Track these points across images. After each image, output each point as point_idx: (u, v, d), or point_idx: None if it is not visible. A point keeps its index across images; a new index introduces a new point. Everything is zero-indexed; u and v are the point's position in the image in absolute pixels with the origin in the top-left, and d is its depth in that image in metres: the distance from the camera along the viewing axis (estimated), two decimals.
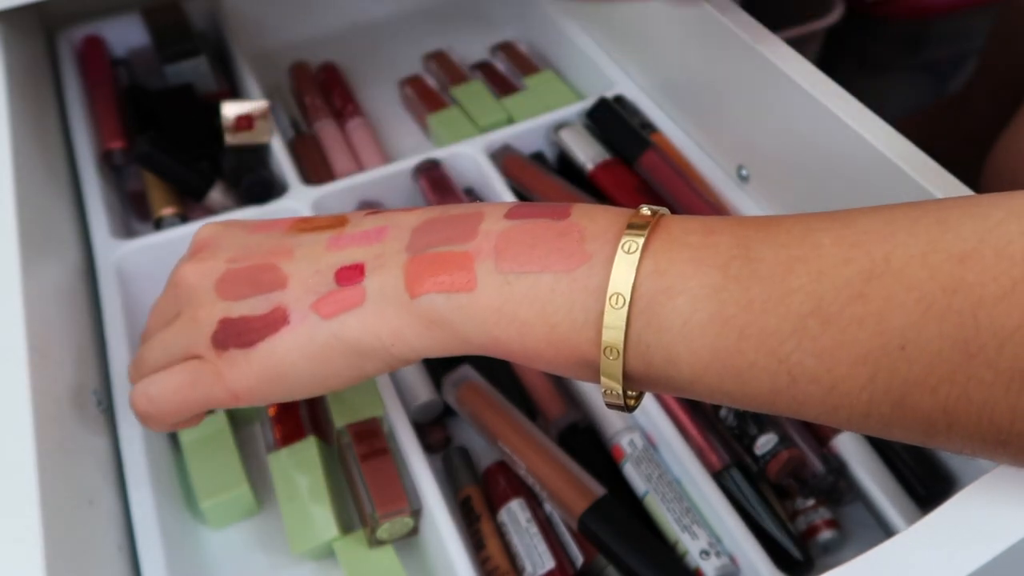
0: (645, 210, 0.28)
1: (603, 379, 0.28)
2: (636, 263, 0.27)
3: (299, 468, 0.40)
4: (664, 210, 0.29)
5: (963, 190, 0.37)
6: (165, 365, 0.34)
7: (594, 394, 0.44)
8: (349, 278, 0.31)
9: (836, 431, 0.41)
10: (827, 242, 0.25)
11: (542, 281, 0.28)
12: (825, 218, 0.26)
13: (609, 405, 0.29)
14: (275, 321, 0.32)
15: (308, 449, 0.40)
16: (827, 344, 0.24)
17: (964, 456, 0.39)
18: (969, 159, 0.56)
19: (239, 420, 0.45)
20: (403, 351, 0.31)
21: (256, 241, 0.34)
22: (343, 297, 0.31)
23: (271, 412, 0.42)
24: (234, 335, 0.32)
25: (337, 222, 0.34)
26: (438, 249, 0.30)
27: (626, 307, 0.26)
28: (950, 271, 0.23)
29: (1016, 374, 0.22)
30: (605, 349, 0.27)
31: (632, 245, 0.27)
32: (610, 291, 0.27)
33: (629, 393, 0.29)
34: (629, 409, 0.29)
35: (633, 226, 0.28)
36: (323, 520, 0.38)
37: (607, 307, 0.27)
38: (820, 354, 0.24)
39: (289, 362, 0.31)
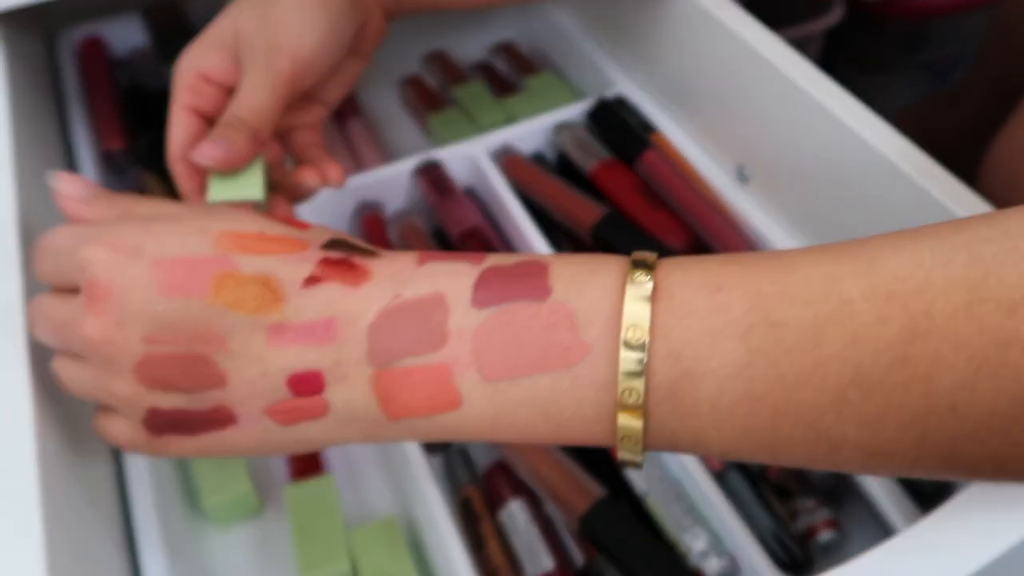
0: (639, 276, 0.25)
1: (621, 454, 0.26)
2: (645, 355, 0.24)
3: (315, 500, 0.40)
4: (653, 257, 0.26)
5: (963, 190, 0.37)
6: (85, 399, 0.31)
7: None
8: (306, 388, 0.27)
9: None
10: (856, 295, 0.23)
11: (539, 383, 0.25)
12: (843, 258, 0.24)
13: (623, 466, 0.27)
14: (219, 420, 0.28)
15: (325, 483, 0.41)
16: (871, 412, 0.23)
17: None
18: (966, 154, 0.56)
19: None
20: (372, 443, 0.29)
21: (173, 314, 0.28)
22: (303, 406, 0.28)
23: None
24: (171, 425, 0.29)
25: (268, 292, 0.28)
26: (406, 363, 0.26)
27: (642, 399, 0.24)
28: (1000, 324, 0.22)
29: None
30: (623, 438, 0.25)
31: (637, 332, 0.24)
32: (621, 387, 0.24)
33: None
34: (641, 468, 0.27)
35: (631, 300, 0.24)
36: (337, 553, 0.38)
37: (620, 399, 0.24)
38: (863, 423, 0.23)
39: (239, 452, 0.29)
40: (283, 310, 0.28)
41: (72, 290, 0.30)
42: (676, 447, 0.26)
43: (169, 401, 0.29)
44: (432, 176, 0.52)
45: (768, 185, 0.49)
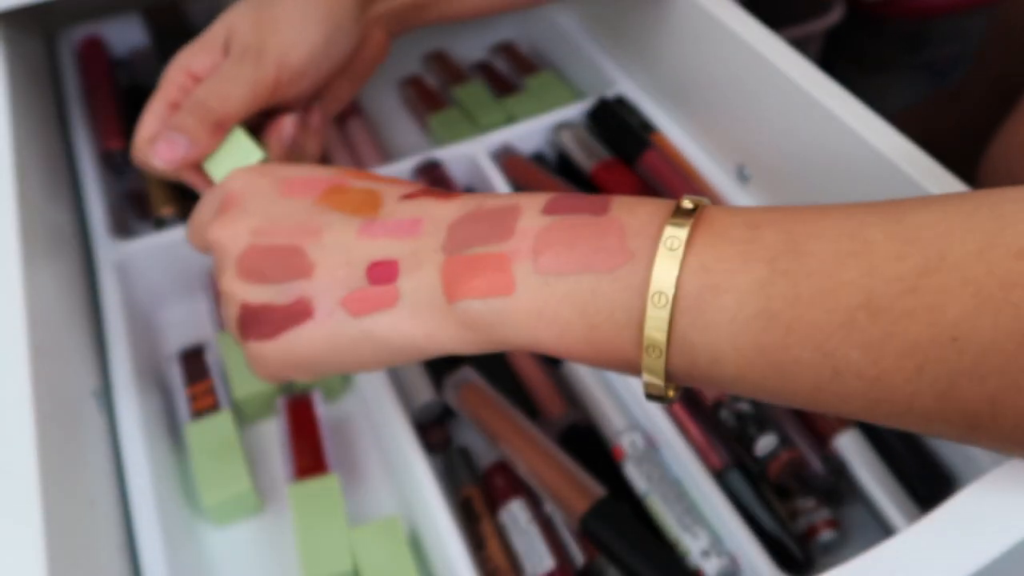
0: (687, 202, 0.27)
1: (645, 375, 0.27)
2: (679, 260, 0.26)
3: (318, 499, 0.40)
4: (706, 200, 0.28)
5: (964, 189, 0.37)
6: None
7: (595, 394, 0.44)
8: (382, 276, 0.30)
9: (836, 431, 0.41)
10: (880, 238, 0.25)
11: (583, 281, 0.27)
12: (874, 212, 0.26)
13: (649, 397, 0.28)
14: (297, 313, 0.31)
15: (328, 482, 0.41)
16: (875, 336, 0.24)
17: (965, 452, 0.40)
18: (965, 153, 0.56)
19: (244, 419, 0.45)
20: (435, 350, 0.30)
21: (284, 210, 0.32)
22: (375, 295, 0.30)
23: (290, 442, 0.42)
24: (254, 325, 0.31)
25: (370, 199, 0.32)
26: (475, 250, 0.29)
27: (669, 306, 0.26)
28: (1008, 267, 0.23)
29: None
30: (647, 348, 0.26)
31: (675, 242, 0.26)
32: (652, 289, 0.26)
33: (670, 386, 0.28)
34: (669, 402, 0.28)
35: (675, 220, 0.27)
36: (339, 552, 0.38)
37: (649, 306, 0.26)
38: (867, 346, 0.24)
39: (312, 354, 0.31)
40: (379, 212, 0.31)
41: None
42: (694, 366, 0.27)
43: (259, 295, 0.31)
44: (432, 176, 0.52)
45: (768, 185, 0.49)
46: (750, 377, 0.26)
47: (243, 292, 0.32)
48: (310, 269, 0.31)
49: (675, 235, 0.26)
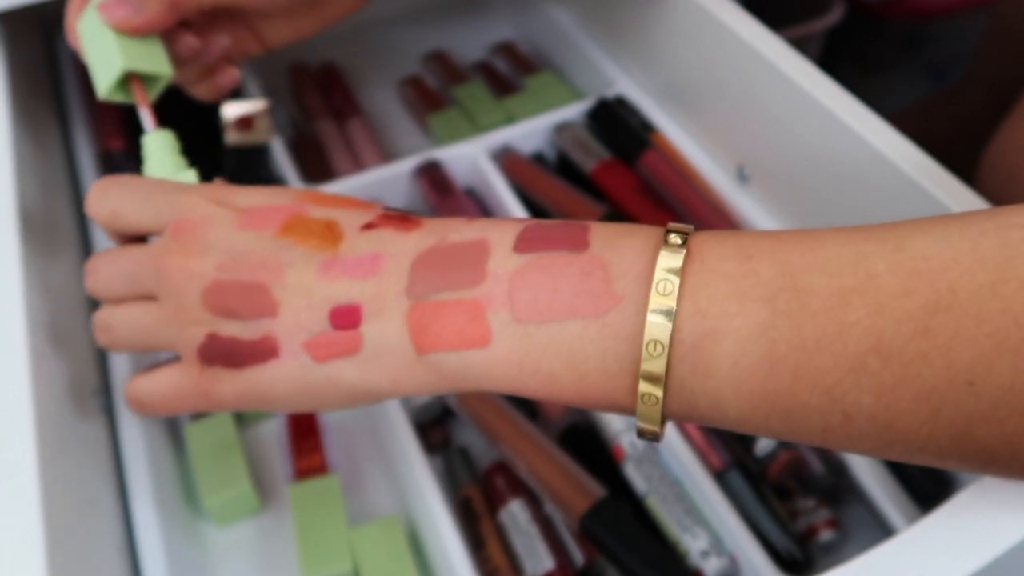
0: (674, 236, 0.26)
1: (639, 422, 0.26)
2: (674, 307, 0.24)
3: (318, 499, 0.40)
4: (689, 228, 0.26)
5: (962, 189, 0.37)
6: (140, 345, 0.33)
7: None
8: (345, 322, 0.28)
9: None
10: (882, 270, 0.23)
11: (567, 329, 0.26)
12: (873, 238, 0.24)
13: (641, 436, 0.27)
14: (264, 351, 0.30)
15: (329, 482, 0.41)
16: (888, 381, 0.23)
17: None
18: (965, 153, 0.56)
19: (245, 418, 0.45)
20: (401, 395, 0.29)
21: (246, 244, 0.31)
22: (338, 342, 0.29)
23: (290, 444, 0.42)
24: (222, 355, 0.30)
25: (331, 231, 0.30)
26: (443, 296, 0.27)
27: (665, 354, 0.24)
28: (1023, 302, 0.22)
29: None
30: (643, 396, 0.25)
31: (667, 285, 0.25)
32: (647, 338, 0.24)
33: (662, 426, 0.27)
34: (658, 440, 0.27)
35: (664, 258, 0.25)
36: (339, 552, 0.38)
37: (644, 354, 0.25)
38: (879, 392, 0.23)
39: (276, 392, 0.30)
40: (338, 248, 0.30)
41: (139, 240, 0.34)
42: (694, 411, 0.26)
43: (227, 328, 0.30)
44: (432, 176, 0.52)
45: (768, 185, 0.49)
46: (754, 420, 0.25)
47: (210, 323, 0.31)
48: (275, 308, 0.30)
49: (666, 278, 0.25)
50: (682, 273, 0.25)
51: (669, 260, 0.25)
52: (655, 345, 0.24)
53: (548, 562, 0.38)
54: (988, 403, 0.22)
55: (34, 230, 0.40)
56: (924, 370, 0.23)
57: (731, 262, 0.25)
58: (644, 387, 0.25)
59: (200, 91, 0.44)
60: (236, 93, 0.61)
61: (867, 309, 0.23)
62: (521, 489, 0.41)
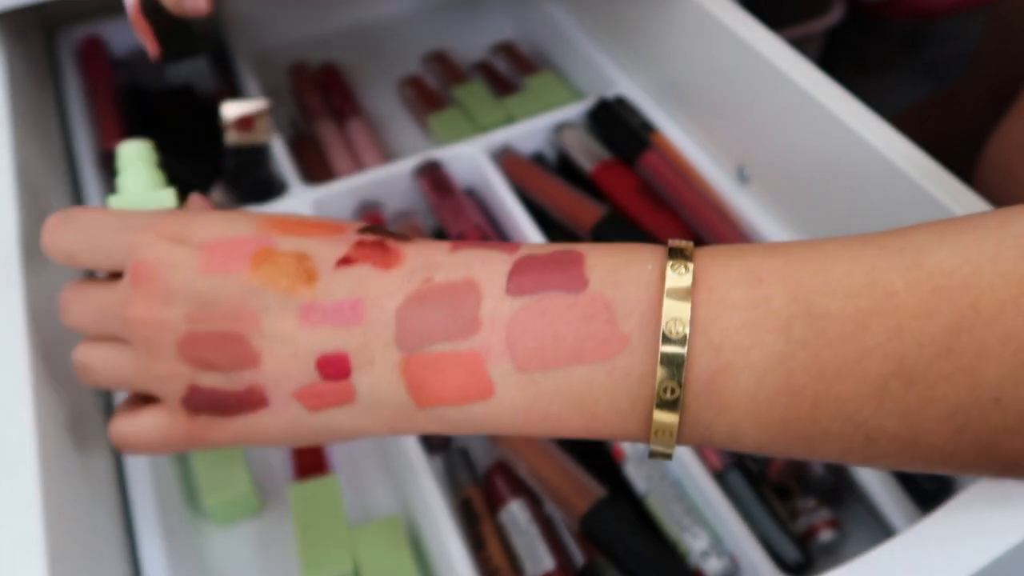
0: (678, 267, 0.24)
1: (653, 448, 0.26)
2: (685, 348, 0.23)
3: (318, 499, 0.40)
4: (689, 245, 0.25)
5: (962, 190, 0.37)
6: (123, 388, 0.32)
7: None
8: (334, 372, 0.27)
9: None
10: (900, 288, 0.23)
11: (574, 374, 0.25)
12: (887, 253, 0.23)
13: (653, 457, 0.26)
14: (252, 402, 0.29)
15: (329, 482, 0.41)
16: (911, 404, 0.23)
17: None
18: (964, 153, 0.56)
19: None
20: (400, 436, 0.29)
21: (213, 291, 0.28)
22: (331, 392, 0.28)
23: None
24: (208, 405, 0.29)
25: (303, 269, 0.28)
26: (437, 348, 0.26)
27: (680, 393, 0.24)
28: None
29: None
30: (656, 432, 0.25)
31: (676, 325, 0.24)
32: (659, 380, 0.24)
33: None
34: (670, 459, 0.27)
35: (670, 294, 0.24)
36: (339, 552, 0.38)
37: (657, 395, 0.24)
38: (903, 415, 0.23)
39: (272, 438, 0.29)
40: (314, 290, 0.28)
41: (112, 275, 0.31)
42: (710, 442, 0.25)
43: (209, 380, 0.29)
44: (432, 176, 0.52)
45: (768, 185, 0.49)
46: (774, 448, 0.25)
47: (190, 375, 0.29)
48: (256, 359, 0.28)
49: (676, 317, 0.24)
50: (691, 305, 0.24)
51: (676, 294, 0.24)
52: (667, 388, 0.24)
53: (548, 562, 0.38)
54: (1014, 417, 0.22)
55: (34, 230, 0.40)
56: (949, 391, 0.22)
57: (740, 289, 0.24)
58: (658, 423, 0.24)
59: None
60: (235, 93, 0.61)
61: (887, 333, 0.22)
62: (521, 489, 0.41)
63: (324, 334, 0.27)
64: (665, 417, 0.24)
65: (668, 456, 0.26)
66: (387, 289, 0.27)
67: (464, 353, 0.26)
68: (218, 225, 0.30)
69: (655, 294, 0.25)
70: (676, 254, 0.25)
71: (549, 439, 0.41)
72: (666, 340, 0.24)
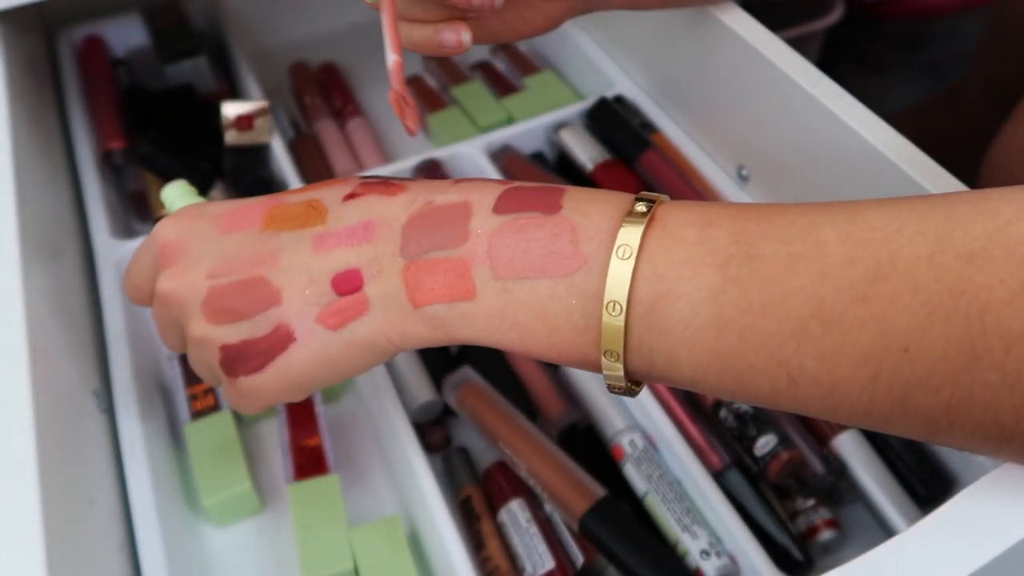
0: (640, 205, 0.27)
1: (606, 374, 0.28)
2: (631, 270, 0.26)
3: (318, 499, 0.40)
4: (662, 197, 0.28)
5: (962, 188, 0.37)
6: (216, 381, 0.34)
7: (595, 394, 0.44)
8: (349, 286, 0.30)
9: (836, 431, 0.41)
10: (831, 239, 0.25)
11: (540, 286, 0.28)
12: (829, 211, 0.26)
13: (612, 390, 0.29)
14: (280, 340, 0.31)
15: (328, 482, 0.41)
16: (828, 346, 0.24)
17: (965, 453, 0.40)
18: (964, 153, 0.57)
19: (244, 419, 0.45)
20: (407, 346, 0.31)
21: (233, 246, 0.32)
22: (349, 306, 0.30)
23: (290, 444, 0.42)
24: (240, 363, 0.31)
25: (313, 209, 0.32)
26: (433, 255, 0.29)
27: (623, 315, 0.26)
28: (957, 272, 0.23)
29: (1022, 375, 0.22)
30: (605, 352, 0.27)
31: (626, 250, 0.26)
32: (606, 299, 0.26)
33: (633, 382, 0.29)
34: (633, 394, 0.29)
35: (627, 225, 0.27)
36: (339, 552, 0.38)
37: (604, 314, 0.26)
38: (821, 356, 0.24)
39: (306, 373, 0.31)
40: (326, 221, 0.31)
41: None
42: (653, 368, 0.27)
43: (236, 333, 0.31)
44: (432, 176, 0.52)
45: (768, 185, 0.49)
46: (708, 380, 0.26)
47: (218, 335, 0.31)
48: (278, 295, 0.31)
49: (627, 243, 0.26)
50: (643, 238, 0.26)
51: (632, 226, 0.27)
52: (614, 306, 0.26)
53: (548, 562, 0.38)
54: (923, 370, 0.23)
55: (34, 230, 0.40)
56: (862, 336, 0.24)
57: (691, 228, 0.27)
58: (606, 343, 0.27)
59: (418, 36, 0.41)
60: (235, 93, 0.61)
61: (811, 276, 0.24)
62: (521, 489, 0.41)
63: (338, 256, 0.30)
64: (612, 333, 0.26)
65: (623, 389, 0.28)
66: (394, 211, 0.30)
67: (455, 259, 0.29)
68: (230, 202, 0.34)
69: (615, 224, 0.27)
70: (644, 199, 0.28)
71: (546, 442, 0.41)
72: (617, 262, 0.26)
